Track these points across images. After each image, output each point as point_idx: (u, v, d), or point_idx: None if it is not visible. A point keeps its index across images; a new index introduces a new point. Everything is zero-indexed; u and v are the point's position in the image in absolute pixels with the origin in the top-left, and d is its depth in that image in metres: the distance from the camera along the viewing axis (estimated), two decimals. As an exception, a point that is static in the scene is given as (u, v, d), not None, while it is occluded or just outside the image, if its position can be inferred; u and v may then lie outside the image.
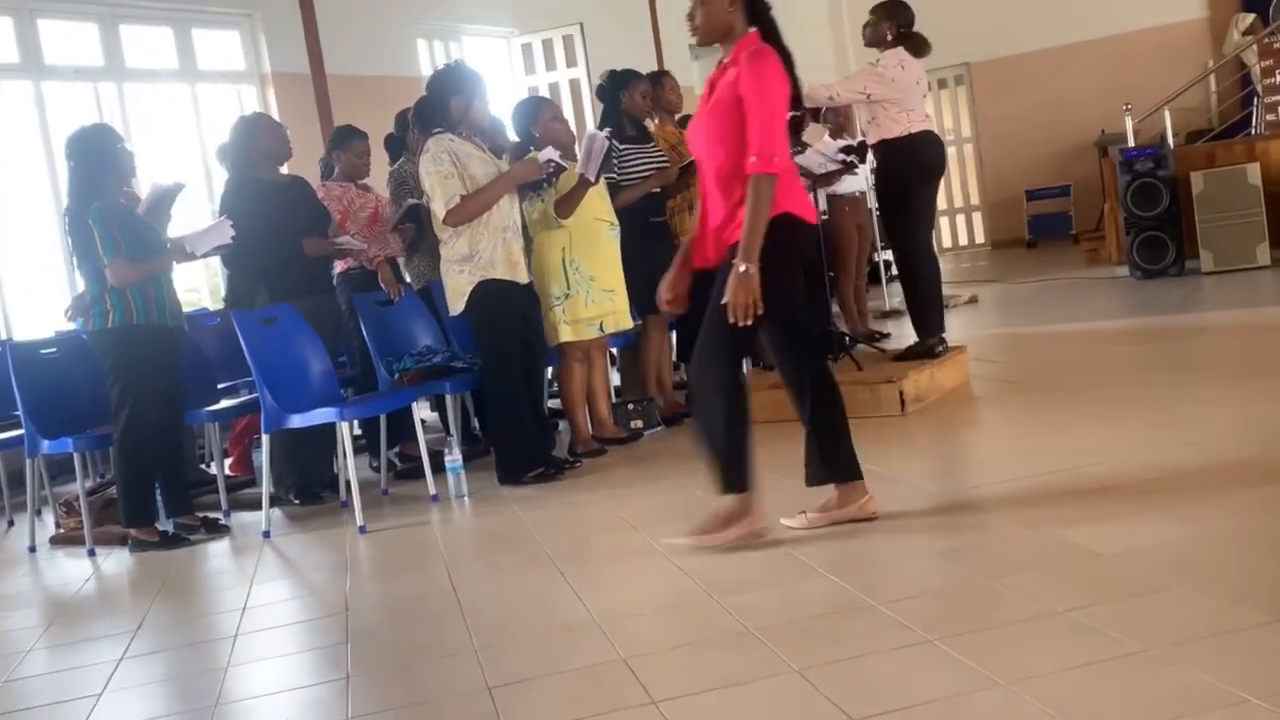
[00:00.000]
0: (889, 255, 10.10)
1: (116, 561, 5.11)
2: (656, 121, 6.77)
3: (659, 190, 6.24)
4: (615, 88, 6.28)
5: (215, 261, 6.47)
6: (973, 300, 10.38)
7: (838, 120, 8.14)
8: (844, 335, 6.59)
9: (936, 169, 6.38)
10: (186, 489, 5.45)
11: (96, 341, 5.13)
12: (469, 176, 5.18)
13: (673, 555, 3.82)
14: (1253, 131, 12.72)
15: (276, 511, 5.48)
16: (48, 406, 5.34)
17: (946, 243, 16.70)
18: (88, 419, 5.34)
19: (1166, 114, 11.32)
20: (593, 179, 5.52)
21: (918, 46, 6.26)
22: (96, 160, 5.08)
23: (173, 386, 5.19)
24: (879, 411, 5.66)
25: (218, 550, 5.11)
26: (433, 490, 5.30)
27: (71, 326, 6.18)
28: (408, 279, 6.50)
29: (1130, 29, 14.85)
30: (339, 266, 6.26)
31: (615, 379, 6.87)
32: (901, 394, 5.66)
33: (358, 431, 6.23)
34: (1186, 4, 14.86)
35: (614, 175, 5.99)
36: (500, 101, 6.14)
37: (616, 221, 5.84)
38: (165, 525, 5.26)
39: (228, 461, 6.43)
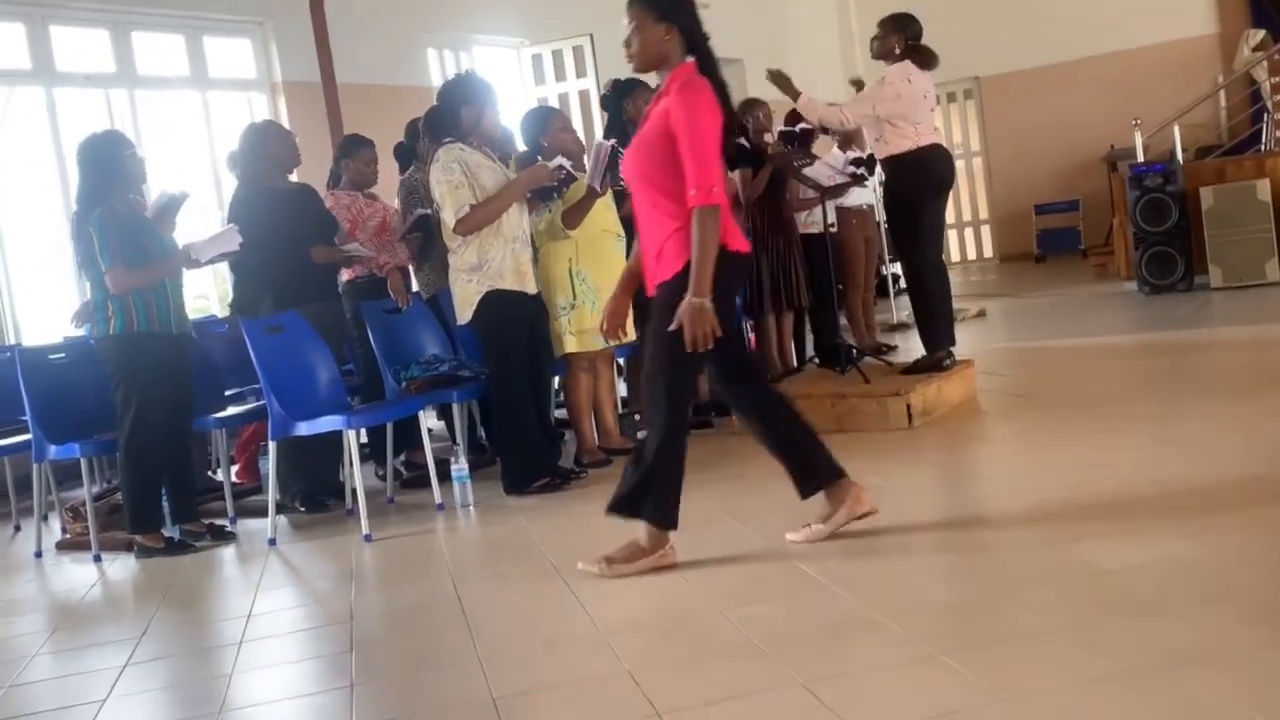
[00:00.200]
0: (897, 268, 10.09)
1: (122, 567, 5.12)
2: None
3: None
4: (619, 96, 6.28)
5: (224, 268, 6.48)
6: (981, 314, 10.37)
7: (846, 132, 8.15)
8: (851, 348, 6.59)
9: (945, 182, 6.37)
10: (193, 496, 5.46)
11: (100, 348, 5.15)
12: (479, 186, 5.19)
13: (678, 565, 3.81)
14: (1262, 148, 12.72)
15: (282, 519, 5.48)
16: (55, 412, 5.35)
17: (955, 256, 16.70)
18: (95, 424, 5.35)
19: (1176, 129, 11.32)
20: (600, 188, 5.52)
21: (925, 59, 6.24)
22: (105, 167, 5.10)
23: (178, 393, 5.19)
24: (886, 424, 5.66)
25: (223, 557, 5.11)
26: (438, 499, 5.30)
27: (79, 332, 6.21)
28: (415, 288, 6.50)
29: (1140, 44, 14.86)
30: (345, 275, 6.27)
31: (622, 389, 6.87)
32: (909, 407, 5.65)
33: (363, 439, 6.23)
34: (1197, 20, 14.87)
35: (621, 184, 5.99)
36: (510, 112, 6.14)
37: (623, 232, 5.85)
38: (171, 532, 5.26)
39: (234, 468, 6.43)
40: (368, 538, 4.91)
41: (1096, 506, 3.93)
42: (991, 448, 5.39)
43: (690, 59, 3.76)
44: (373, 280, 6.21)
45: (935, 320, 6.26)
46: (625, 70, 6.88)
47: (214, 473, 6.49)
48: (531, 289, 5.43)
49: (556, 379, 6.06)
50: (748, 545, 4.05)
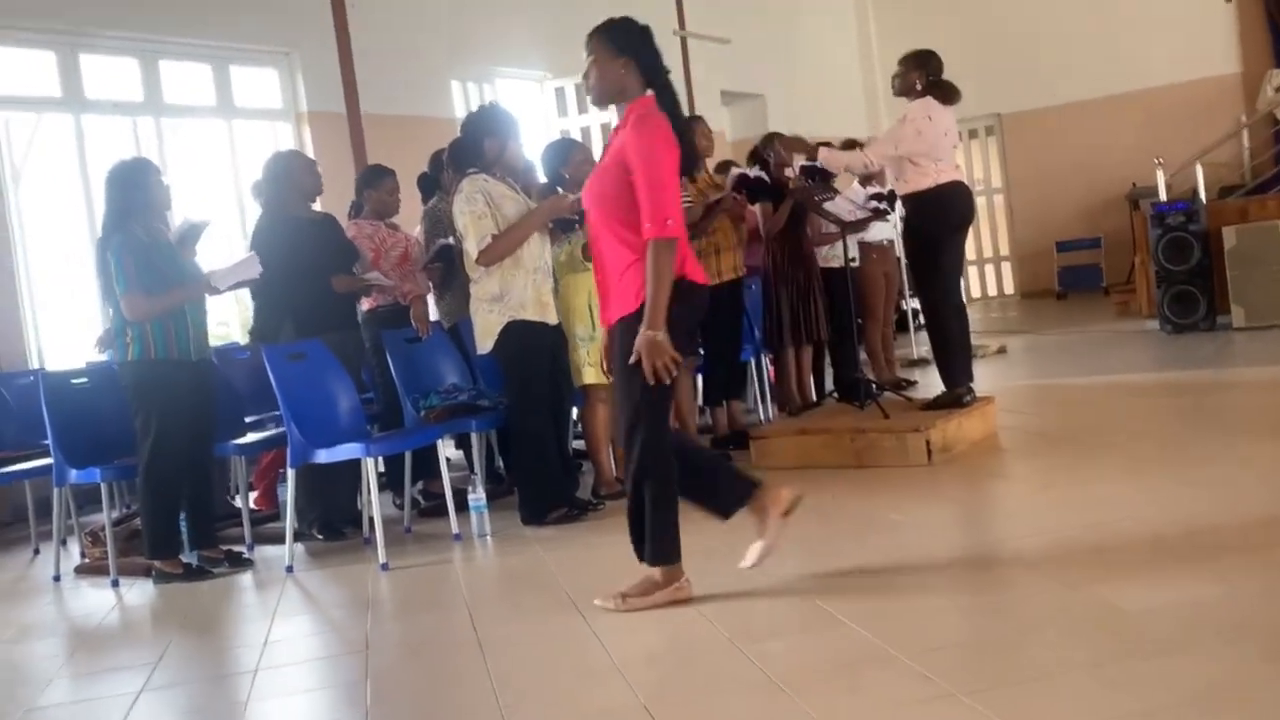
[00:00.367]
0: (917, 303, 10.09)
1: (140, 593, 5.13)
2: (687, 166, 6.80)
3: (684, 230, 6.25)
4: None
5: (245, 295, 6.52)
6: (1001, 351, 10.34)
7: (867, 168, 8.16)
8: (871, 382, 6.57)
9: (964, 219, 6.36)
10: (212, 522, 5.47)
11: (120, 374, 5.18)
12: (502, 217, 5.22)
13: (694, 599, 3.80)
14: (1286, 187, 12.68)
15: (300, 546, 5.49)
16: (77, 436, 5.38)
17: (976, 293, 16.68)
18: (116, 449, 5.37)
19: (1199, 168, 11.30)
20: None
21: (946, 94, 6.23)
22: (130, 193, 5.14)
23: (198, 420, 5.21)
24: (905, 460, 5.63)
25: (241, 584, 5.12)
26: (455, 529, 5.30)
27: (103, 358, 6.25)
28: (434, 317, 6.53)
29: (1163, 83, 14.87)
30: (366, 304, 6.30)
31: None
32: (928, 443, 5.63)
33: (381, 468, 6.24)
34: (1220, 59, 14.87)
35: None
36: (533, 144, 6.18)
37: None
38: (189, 558, 5.27)
39: (253, 495, 6.45)
40: (384, 566, 4.91)
41: (1117, 546, 3.91)
42: (1011, 485, 5.36)
43: (649, 93, 3.78)
44: (394, 309, 6.24)
45: (954, 356, 6.24)
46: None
47: (233, 499, 6.51)
48: (553, 320, 5.44)
49: (575, 410, 6.06)
50: (764, 580, 4.03)
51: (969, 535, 4.60)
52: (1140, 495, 4.57)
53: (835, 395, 7.20)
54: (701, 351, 6.61)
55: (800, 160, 6.95)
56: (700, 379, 6.77)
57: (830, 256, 7.59)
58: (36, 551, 6.25)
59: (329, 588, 4.91)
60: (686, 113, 10.02)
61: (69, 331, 8.15)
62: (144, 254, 5.06)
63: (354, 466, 5.43)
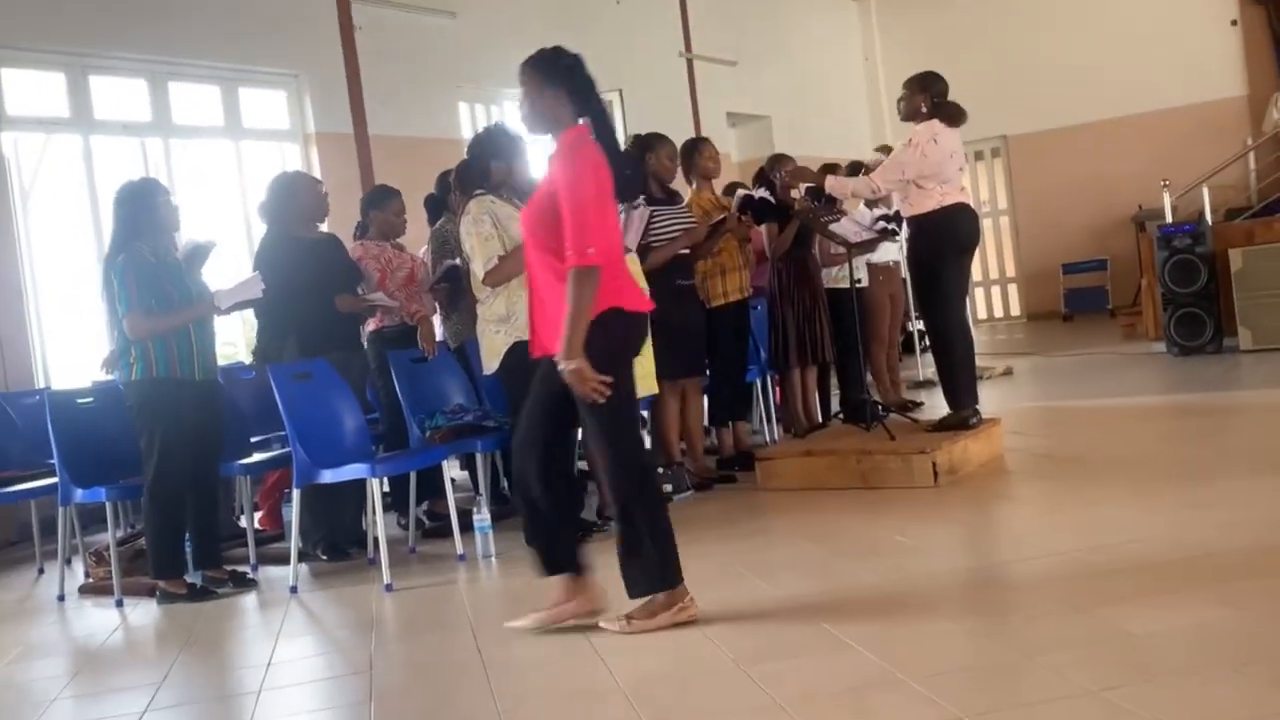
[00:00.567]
0: (922, 324, 10.09)
1: (144, 613, 5.12)
2: (693, 187, 6.82)
3: (687, 251, 6.26)
4: (641, 150, 6.34)
5: (250, 315, 6.53)
6: (1007, 372, 10.33)
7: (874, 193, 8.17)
8: (877, 404, 6.56)
9: (969, 242, 6.35)
10: (216, 542, 5.46)
11: (125, 393, 5.19)
12: (509, 238, 5.23)
13: (700, 621, 3.78)
14: (1292, 210, 12.67)
15: (304, 567, 5.48)
16: (82, 456, 5.38)
17: (982, 314, 16.67)
18: (121, 469, 5.37)
19: (1205, 190, 11.30)
20: (632, 248, 5.57)
21: (952, 116, 6.23)
22: (137, 214, 5.16)
23: (203, 439, 5.21)
24: (911, 482, 5.62)
25: (245, 604, 5.11)
26: (460, 549, 5.29)
27: (109, 378, 6.26)
28: (440, 337, 6.53)
29: (1169, 105, 14.89)
30: (372, 324, 6.31)
31: (646, 441, 6.85)
32: (935, 465, 5.62)
33: (386, 488, 6.24)
34: (1226, 81, 14.89)
35: (650, 240, 6.03)
36: (539, 165, 6.19)
37: (647, 286, 5.86)
38: (193, 578, 5.27)
39: (257, 515, 6.44)
40: (389, 587, 4.90)
41: (1124, 569, 3.89)
42: (1017, 507, 5.35)
43: (583, 121, 3.81)
44: (400, 329, 6.25)
45: (959, 378, 6.23)
46: (652, 125, 6.99)
47: (238, 519, 6.50)
48: (558, 341, 5.43)
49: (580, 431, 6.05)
50: (770, 602, 4.02)
51: (975, 557, 4.58)
52: (1147, 518, 4.55)
53: (841, 416, 7.18)
54: (708, 372, 6.60)
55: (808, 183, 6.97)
56: (706, 399, 6.76)
57: (839, 278, 7.58)
58: (41, 571, 6.24)
59: (333, 608, 4.90)
60: (692, 134, 10.09)
61: (75, 351, 8.16)
62: (148, 274, 5.07)
63: (359, 487, 5.42)
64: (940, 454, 5.67)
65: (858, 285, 7.13)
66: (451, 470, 5.79)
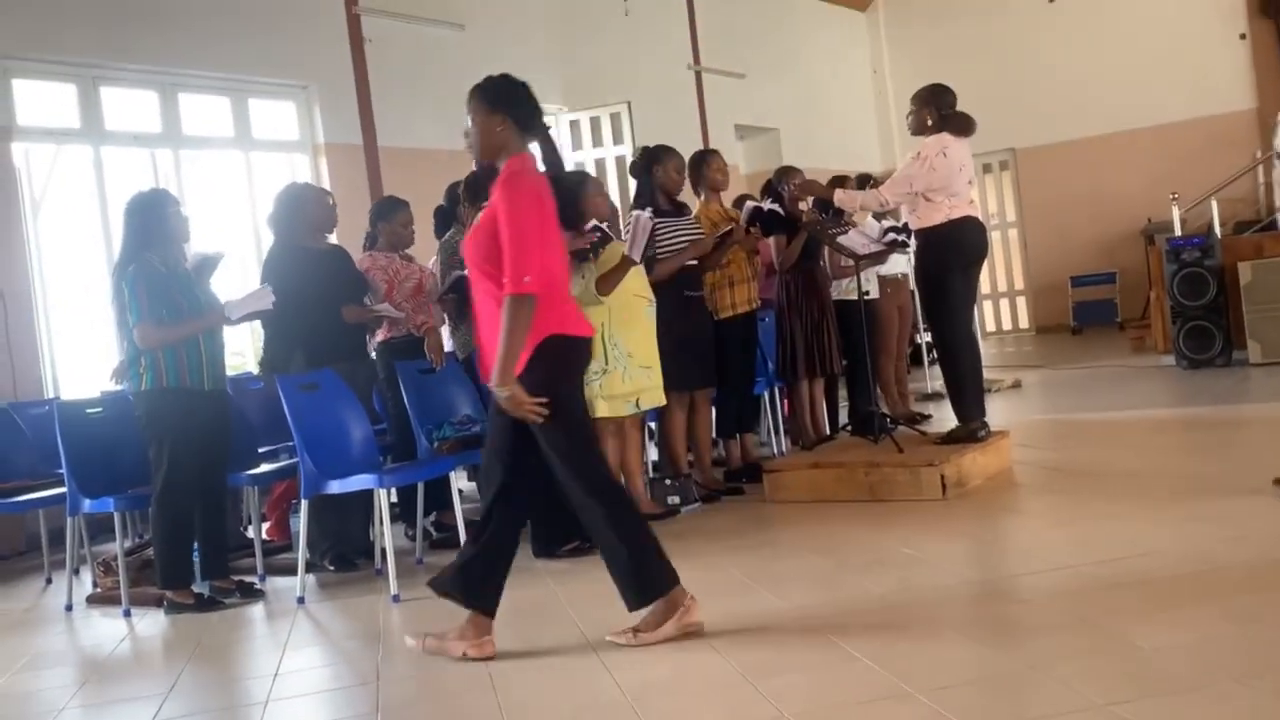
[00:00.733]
0: (930, 337, 10.09)
1: (151, 623, 5.12)
2: (701, 199, 6.83)
3: (695, 262, 6.27)
4: (649, 162, 6.35)
5: (258, 326, 6.54)
6: (1016, 385, 10.32)
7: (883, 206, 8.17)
8: (885, 416, 6.56)
9: (976, 255, 6.34)
10: (224, 553, 5.47)
11: (134, 403, 5.20)
12: (516, 249, 5.22)
13: (707, 633, 3.78)
14: (1301, 223, 12.65)
15: (311, 578, 5.48)
16: (91, 466, 5.39)
17: (990, 327, 16.66)
18: (130, 479, 5.38)
19: (1214, 204, 11.30)
20: (637, 259, 5.58)
21: (960, 126, 6.22)
22: (148, 224, 5.18)
23: (211, 450, 5.22)
24: (919, 495, 5.61)
25: (252, 615, 5.11)
26: (468, 561, 5.27)
27: (118, 388, 6.27)
28: (449, 348, 6.54)
29: (1178, 119, 14.89)
30: (380, 334, 6.32)
31: (652, 453, 6.86)
32: (943, 478, 5.61)
33: (394, 499, 6.24)
34: (1235, 95, 14.89)
35: (655, 251, 6.04)
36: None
37: (654, 298, 5.87)
38: (201, 588, 5.27)
39: (265, 526, 6.45)
40: (396, 598, 4.90)
41: (1132, 582, 3.88)
42: (1026, 520, 5.33)
43: (529, 148, 3.83)
44: (408, 340, 6.25)
45: (966, 391, 6.22)
46: (661, 137, 7.00)
47: (245, 530, 6.51)
48: (566, 352, 5.44)
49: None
50: (777, 614, 4.02)
51: (983, 570, 4.57)
52: (1155, 531, 4.54)
53: (849, 429, 7.18)
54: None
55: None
56: (714, 411, 6.76)
57: (849, 289, 7.58)
58: (49, 581, 6.25)
59: (340, 619, 4.90)
60: (700, 146, 10.09)
61: (84, 361, 8.18)
62: (159, 284, 5.09)
63: (366, 497, 5.43)
64: (948, 467, 5.66)
65: (867, 297, 7.11)
66: (459, 481, 5.78)
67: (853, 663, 3.38)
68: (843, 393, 8.31)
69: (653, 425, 6.65)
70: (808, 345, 7.16)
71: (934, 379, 9.77)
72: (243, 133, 9.35)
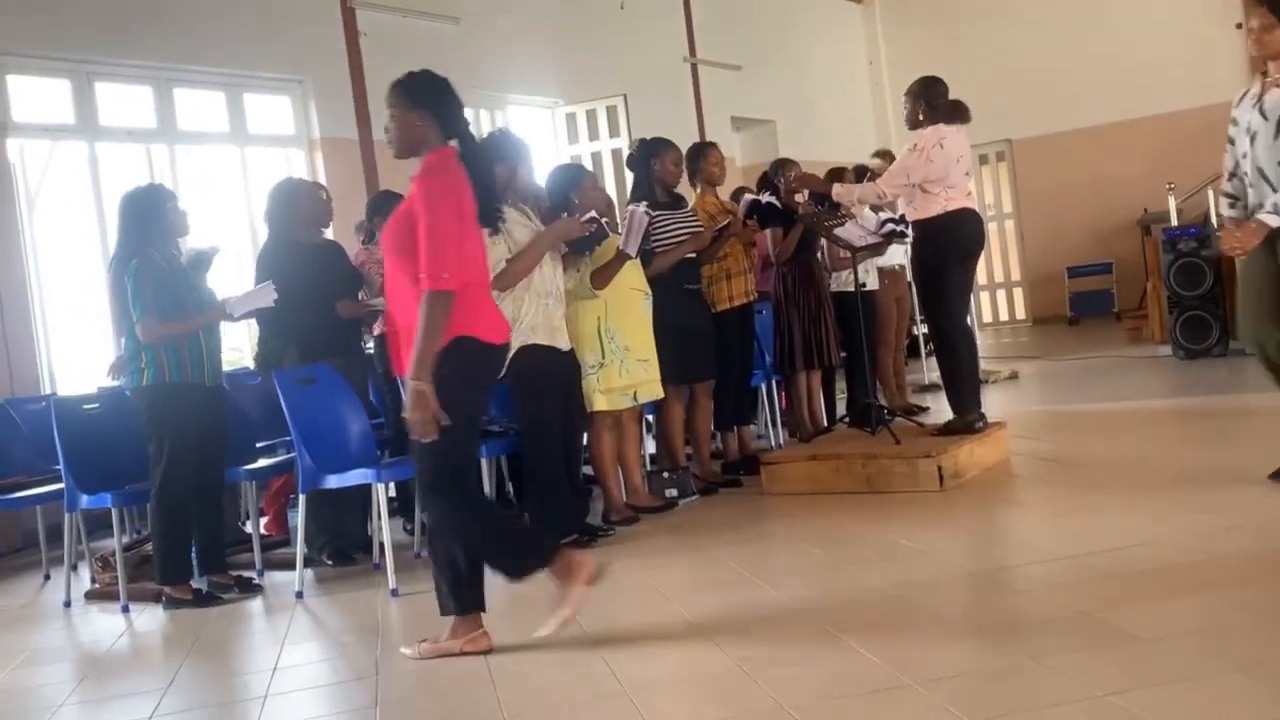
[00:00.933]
0: (927, 329, 10.08)
1: (150, 618, 5.12)
2: (698, 192, 6.82)
3: (693, 256, 6.27)
4: (646, 155, 6.34)
5: (254, 322, 6.54)
6: (1013, 376, 10.32)
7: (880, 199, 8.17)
8: (882, 408, 6.56)
9: (974, 247, 6.34)
10: (222, 548, 5.47)
11: (134, 399, 5.20)
12: (514, 242, 5.23)
13: (706, 626, 3.78)
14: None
15: (309, 572, 5.48)
16: (88, 461, 5.39)
17: (987, 318, 16.66)
18: (127, 475, 5.38)
19: (1210, 194, 11.27)
20: (633, 254, 5.58)
21: (954, 113, 6.21)
22: (144, 219, 5.17)
23: (209, 445, 5.23)
24: (917, 486, 5.62)
25: (250, 610, 5.12)
26: (466, 555, 5.28)
27: (115, 384, 6.27)
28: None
29: (1174, 109, 14.87)
30: (377, 328, 6.31)
31: (650, 446, 6.86)
32: (940, 469, 5.62)
33: (391, 493, 6.24)
34: (1231, 84, 14.74)
35: (651, 245, 6.04)
36: (543, 169, 6.21)
37: (649, 291, 5.87)
38: (199, 583, 5.27)
39: (263, 521, 6.44)
40: (394, 592, 4.90)
41: (1130, 573, 3.88)
42: (1023, 511, 5.34)
43: (451, 143, 3.82)
44: (405, 334, 6.24)
45: (963, 383, 6.22)
46: (657, 129, 6.99)
47: (243, 524, 6.51)
48: (564, 345, 5.44)
49: (586, 435, 6.06)
50: (775, 606, 4.02)
51: (981, 562, 4.57)
52: (1153, 522, 4.54)
53: (846, 420, 7.18)
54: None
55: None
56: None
57: (848, 281, 7.58)
58: (47, 577, 6.25)
59: (338, 614, 4.90)
60: (697, 138, 10.09)
61: (81, 357, 8.17)
62: (162, 278, 5.09)
63: (364, 492, 5.43)
64: (946, 458, 5.66)
65: (866, 289, 7.11)
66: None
67: (851, 654, 3.38)
68: (840, 385, 8.32)
69: (650, 418, 6.65)
70: (805, 337, 7.17)
71: (931, 370, 9.77)
72: (238, 127, 9.33)
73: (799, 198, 7.11)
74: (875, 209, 8.06)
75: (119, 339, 5.57)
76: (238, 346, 8.99)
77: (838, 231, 6.68)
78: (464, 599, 3.84)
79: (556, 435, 5.34)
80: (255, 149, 9.47)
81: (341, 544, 5.71)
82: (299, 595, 5.11)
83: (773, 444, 7.57)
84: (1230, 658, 3.00)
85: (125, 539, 5.69)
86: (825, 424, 7.35)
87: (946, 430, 6.15)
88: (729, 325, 6.58)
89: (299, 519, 5.23)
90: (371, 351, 6.58)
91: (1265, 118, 4.86)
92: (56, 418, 5.35)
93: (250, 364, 8.25)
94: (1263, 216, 4.77)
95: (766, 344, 7.49)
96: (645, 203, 5.96)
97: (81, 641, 5.06)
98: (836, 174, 7.70)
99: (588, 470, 6.32)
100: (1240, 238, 4.84)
